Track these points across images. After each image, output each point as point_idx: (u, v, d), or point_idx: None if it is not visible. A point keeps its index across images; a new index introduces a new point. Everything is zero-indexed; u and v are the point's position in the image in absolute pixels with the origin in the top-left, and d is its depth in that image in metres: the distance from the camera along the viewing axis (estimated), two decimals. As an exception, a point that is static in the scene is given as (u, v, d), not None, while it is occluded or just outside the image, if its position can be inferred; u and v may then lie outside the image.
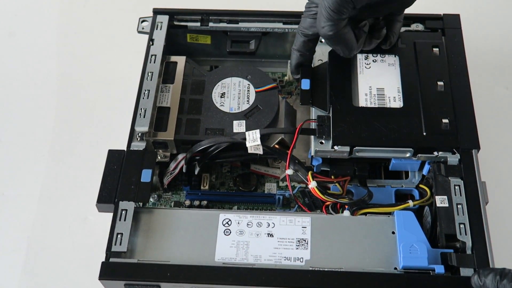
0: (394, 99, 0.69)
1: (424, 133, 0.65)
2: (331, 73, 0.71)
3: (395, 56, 0.72)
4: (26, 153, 0.85)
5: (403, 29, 0.77)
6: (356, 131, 0.66)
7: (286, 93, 0.80)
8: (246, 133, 0.67)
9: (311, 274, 0.58)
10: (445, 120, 0.66)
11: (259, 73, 0.76)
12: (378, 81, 0.70)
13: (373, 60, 0.72)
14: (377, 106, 0.68)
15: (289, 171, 0.67)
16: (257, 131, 0.67)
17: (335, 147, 0.65)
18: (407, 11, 0.80)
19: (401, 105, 0.68)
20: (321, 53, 0.74)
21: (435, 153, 0.65)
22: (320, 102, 0.69)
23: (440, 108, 0.67)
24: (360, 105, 0.68)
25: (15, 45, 0.97)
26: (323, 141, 0.66)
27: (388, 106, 0.68)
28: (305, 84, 0.71)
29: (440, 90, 0.69)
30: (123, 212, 0.62)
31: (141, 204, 0.65)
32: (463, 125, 0.67)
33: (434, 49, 0.72)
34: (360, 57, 0.72)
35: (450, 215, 0.61)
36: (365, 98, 0.69)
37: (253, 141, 0.67)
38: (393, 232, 0.61)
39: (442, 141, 0.65)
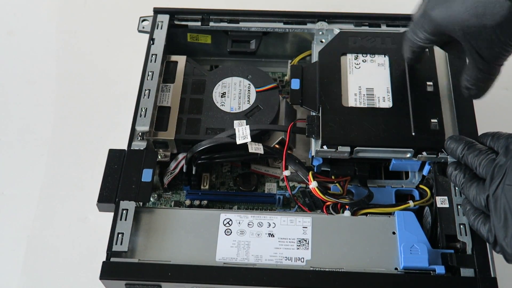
0: (384, 99, 0.69)
1: (413, 133, 0.65)
2: (321, 73, 0.71)
3: (384, 56, 0.72)
4: (26, 152, 0.85)
5: (403, 29, 0.77)
6: (346, 131, 0.65)
7: (286, 93, 0.80)
8: (236, 129, 0.67)
9: (312, 274, 0.58)
10: (433, 120, 0.66)
11: (259, 73, 0.76)
12: (368, 81, 0.70)
13: (362, 60, 0.72)
14: (366, 106, 0.68)
15: (286, 172, 0.67)
16: (247, 127, 0.67)
17: (324, 147, 0.65)
18: (408, 11, 0.80)
19: (390, 105, 0.68)
20: (316, 53, 0.74)
21: (435, 153, 0.65)
22: (310, 102, 0.69)
23: (429, 108, 0.67)
24: (349, 105, 0.68)
25: (14, 44, 0.97)
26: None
27: (377, 106, 0.68)
28: (295, 83, 0.71)
29: (429, 90, 0.69)
30: (124, 211, 0.62)
31: (141, 203, 0.65)
32: (463, 125, 0.67)
33: None
34: (350, 57, 0.73)
35: (450, 216, 0.61)
36: (354, 98, 0.69)
37: (243, 138, 0.66)
38: (394, 233, 0.61)
39: (430, 141, 0.65)
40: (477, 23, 0.55)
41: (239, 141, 0.66)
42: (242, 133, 0.66)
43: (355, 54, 0.73)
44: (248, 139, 0.66)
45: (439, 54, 0.73)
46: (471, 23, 0.55)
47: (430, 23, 0.59)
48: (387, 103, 0.68)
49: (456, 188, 0.63)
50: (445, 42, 0.62)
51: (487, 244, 0.59)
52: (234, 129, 0.67)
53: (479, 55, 0.57)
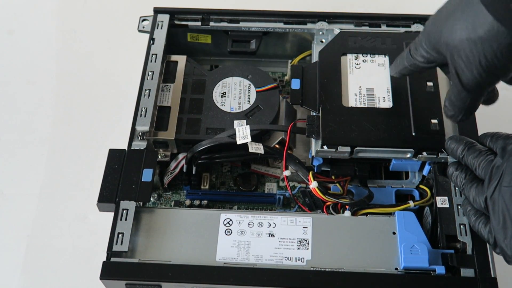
0: (384, 99, 0.69)
1: (413, 133, 0.65)
2: (321, 73, 0.71)
3: (385, 57, 0.72)
4: (26, 152, 0.85)
5: (403, 30, 0.77)
6: (346, 131, 0.65)
7: (287, 93, 0.80)
8: (236, 129, 0.67)
9: (312, 274, 0.58)
10: (434, 121, 0.66)
11: (259, 73, 0.76)
12: (368, 81, 0.70)
13: (363, 60, 0.72)
14: (366, 106, 0.68)
15: (287, 172, 0.67)
16: (247, 127, 0.67)
17: (324, 147, 0.65)
18: (408, 11, 0.81)
19: (391, 106, 0.68)
20: (316, 53, 0.74)
21: (435, 154, 0.65)
22: (310, 102, 0.69)
23: (429, 109, 0.67)
24: (349, 105, 0.68)
25: (14, 44, 0.97)
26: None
27: (377, 106, 0.68)
28: (295, 83, 0.71)
29: (429, 90, 0.69)
30: (124, 211, 0.62)
31: (141, 203, 0.65)
32: (463, 125, 0.67)
33: None
34: (350, 57, 0.73)
35: (450, 216, 0.61)
36: (354, 98, 0.69)
37: (243, 138, 0.66)
38: (394, 233, 0.61)
39: (430, 141, 0.65)
40: (459, 36, 0.52)
41: (239, 141, 0.66)
42: (243, 133, 0.66)
43: (355, 54, 0.73)
44: (249, 139, 0.66)
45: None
46: (454, 35, 0.52)
47: (424, 37, 0.57)
48: (387, 103, 0.68)
49: (457, 188, 0.63)
50: (442, 63, 0.58)
51: (487, 244, 0.59)
52: (235, 129, 0.67)
53: (458, 77, 0.54)
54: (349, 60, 0.72)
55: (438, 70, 0.71)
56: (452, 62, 0.54)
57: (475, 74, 0.52)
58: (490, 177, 0.54)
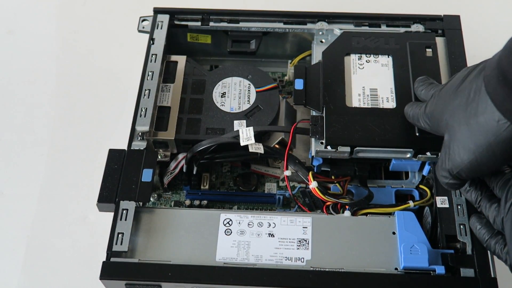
0: (387, 100, 0.69)
1: (417, 134, 0.65)
2: (324, 73, 0.71)
3: (388, 57, 0.72)
4: (26, 152, 0.85)
5: (403, 29, 0.77)
6: (349, 132, 0.65)
7: (286, 93, 0.80)
8: (240, 130, 0.67)
9: (312, 274, 0.58)
10: None
11: (259, 73, 0.76)
12: (372, 82, 0.70)
13: (366, 61, 0.72)
14: (370, 106, 0.68)
15: (287, 172, 0.67)
16: (251, 128, 0.67)
17: (328, 147, 0.65)
18: (408, 11, 0.81)
19: (394, 106, 0.68)
20: (316, 53, 0.75)
21: (435, 154, 0.65)
22: (313, 102, 0.69)
23: None
24: (353, 106, 0.68)
25: (14, 44, 0.97)
26: (323, 141, 0.66)
27: (381, 107, 0.68)
28: (299, 84, 0.71)
29: None
30: (124, 211, 0.62)
31: (141, 203, 0.65)
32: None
33: (427, 49, 0.72)
34: (353, 57, 0.73)
35: (450, 216, 0.61)
36: (358, 98, 0.69)
37: (247, 139, 0.66)
38: (394, 233, 0.61)
39: (434, 142, 0.65)
40: (459, 118, 0.52)
41: (243, 142, 0.66)
42: (246, 134, 0.66)
43: (359, 55, 0.73)
44: (252, 141, 0.66)
45: (442, 55, 0.73)
46: (455, 117, 0.53)
47: (429, 109, 0.58)
48: (391, 104, 0.68)
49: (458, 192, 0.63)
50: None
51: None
52: (238, 130, 0.67)
53: (448, 159, 0.55)
54: (352, 60, 0.72)
55: (441, 66, 0.71)
56: (447, 142, 0.55)
57: (465, 161, 0.52)
58: (506, 197, 0.53)
